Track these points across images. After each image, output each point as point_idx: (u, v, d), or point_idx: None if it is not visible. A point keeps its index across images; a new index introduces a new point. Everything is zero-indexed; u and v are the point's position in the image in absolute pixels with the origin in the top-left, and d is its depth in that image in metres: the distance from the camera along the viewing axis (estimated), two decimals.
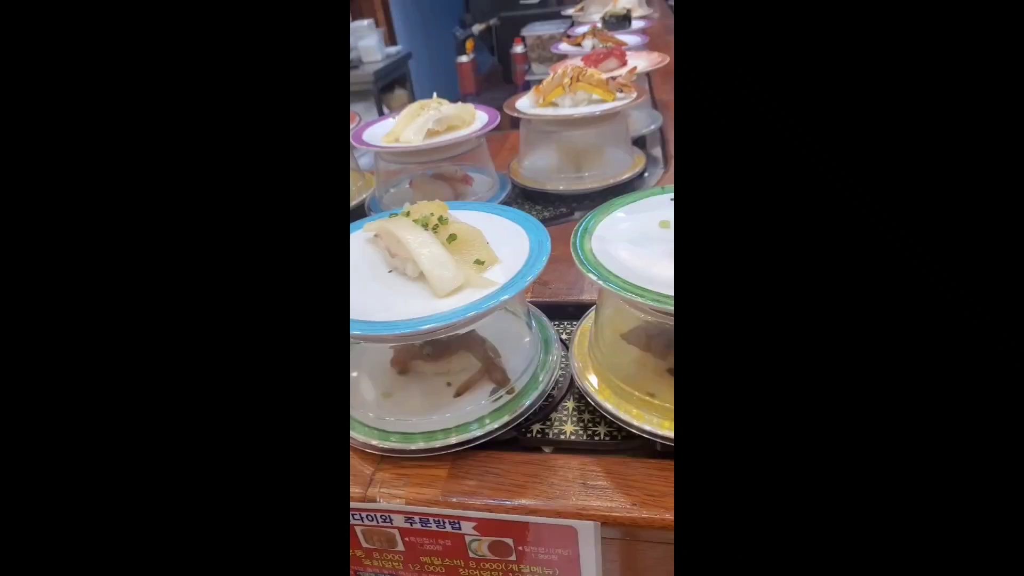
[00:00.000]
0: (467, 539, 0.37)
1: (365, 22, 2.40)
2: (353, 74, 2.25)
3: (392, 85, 2.49)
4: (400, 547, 0.39)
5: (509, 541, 0.37)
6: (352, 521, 0.39)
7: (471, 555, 0.38)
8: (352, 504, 0.38)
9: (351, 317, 0.35)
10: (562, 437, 0.39)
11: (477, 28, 2.58)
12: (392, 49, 2.50)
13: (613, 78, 0.72)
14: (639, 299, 0.33)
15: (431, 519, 0.37)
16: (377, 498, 0.37)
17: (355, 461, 0.39)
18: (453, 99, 0.73)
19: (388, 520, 0.38)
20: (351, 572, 0.42)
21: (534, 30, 2.01)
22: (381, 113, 2.34)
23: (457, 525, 0.37)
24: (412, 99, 2.58)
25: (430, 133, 0.67)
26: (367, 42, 2.36)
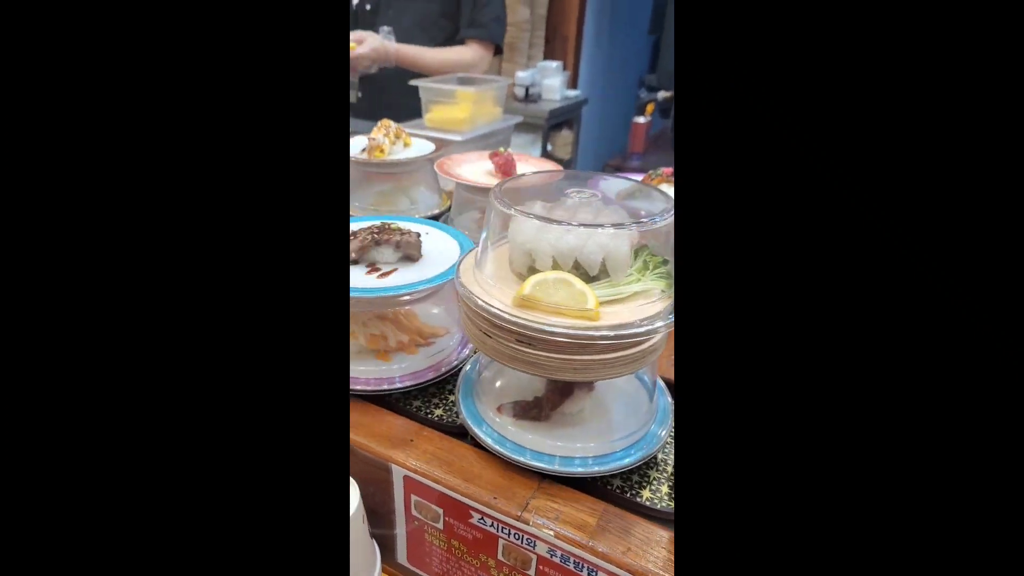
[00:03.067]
0: None
1: (555, 63, 2.54)
2: (531, 107, 2.39)
3: (561, 125, 2.61)
4: (532, 572, 0.43)
5: None
6: (497, 533, 0.43)
7: None
8: (504, 518, 0.42)
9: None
10: None
11: (663, 95, 2.64)
12: (572, 92, 2.63)
13: None
14: None
15: (571, 559, 0.40)
16: (530, 521, 0.41)
17: (513, 480, 0.44)
18: (618, 151, 0.77)
19: (532, 544, 0.42)
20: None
21: None
22: (545, 148, 2.46)
23: (595, 573, 0.40)
24: (576, 142, 2.69)
25: None
26: (551, 81, 2.50)
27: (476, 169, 0.90)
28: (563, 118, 2.56)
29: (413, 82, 1.28)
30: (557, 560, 0.41)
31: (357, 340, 0.55)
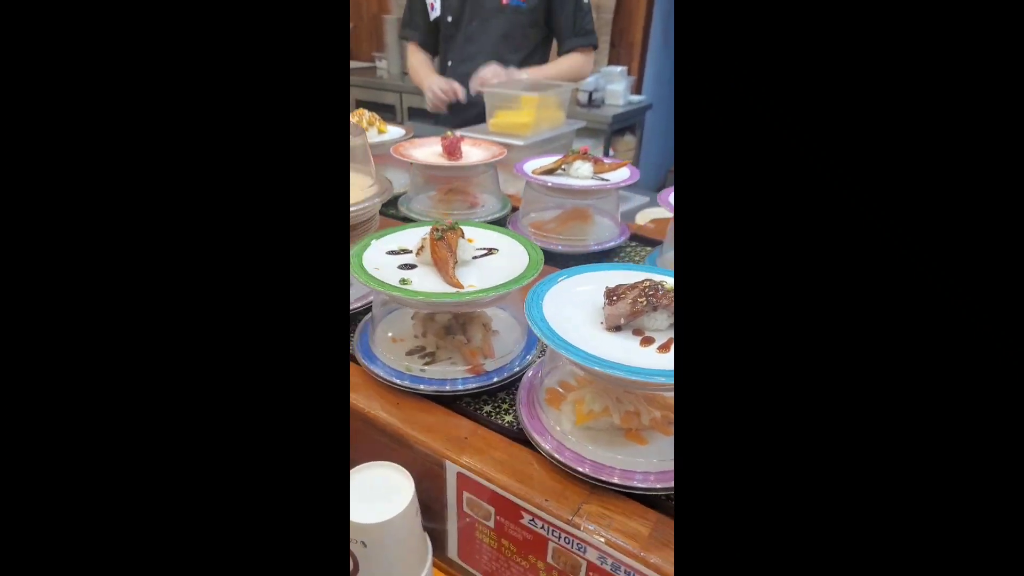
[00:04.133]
0: None
1: (619, 68, 2.52)
2: (593, 112, 2.38)
3: (624, 131, 2.59)
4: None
5: None
6: (548, 535, 0.43)
7: None
8: (556, 521, 0.42)
9: None
10: None
11: None
12: (636, 97, 2.59)
13: None
14: None
15: (622, 567, 0.40)
16: (580, 526, 0.41)
17: (567, 486, 0.44)
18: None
19: (582, 549, 0.42)
20: None
21: None
22: (607, 154, 2.44)
23: None
24: (639, 148, 2.66)
25: None
26: (614, 86, 2.48)
27: (428, 152, 0.96)
28: (626, 123, 2.53)
29: (480, 88, 1.30)
30: (607, 568, 0.41)
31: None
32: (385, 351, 0.57)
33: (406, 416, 0.51)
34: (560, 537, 0.42)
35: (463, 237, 0.57)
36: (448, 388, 0.53)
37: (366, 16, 3.14)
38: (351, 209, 0.60)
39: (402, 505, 0.44)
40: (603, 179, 0.84)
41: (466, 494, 0.47)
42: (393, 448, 0.50)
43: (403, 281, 0.52)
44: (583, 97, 2.40)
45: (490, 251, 0.59)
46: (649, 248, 0.87)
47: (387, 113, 2.64)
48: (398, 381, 0.53)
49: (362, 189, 0.68)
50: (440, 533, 0.51)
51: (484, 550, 0.49)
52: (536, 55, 1.55)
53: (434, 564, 0.51)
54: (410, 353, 0.56)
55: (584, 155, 0.87)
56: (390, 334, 0.59)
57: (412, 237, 0.60)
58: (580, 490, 0.44)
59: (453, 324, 0.57)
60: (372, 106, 2.73)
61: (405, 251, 0.58)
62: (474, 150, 0.99)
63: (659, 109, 2.82)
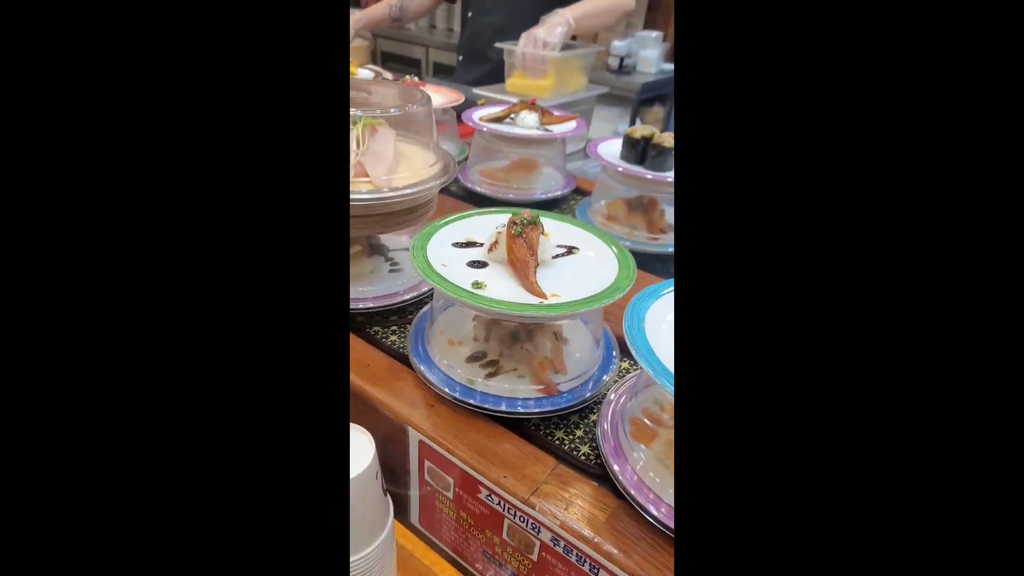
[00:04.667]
0: None
1: (654, 34, 2.42)
2: (623, 79, 2.29)
3: (654, 100, 2.49)
4: (535, 557, 0.42)
5: None
6: (504, 512, 0.42)
7: None
8: (512, 499, 0.41)
9: None
10: None
11: None
12: (669, 66, 2.49)
13: None
14: None
15: (574, 551, 0.39)
16: (536, 506, 0.40)
17: (529, 464, 0.42)
18: None
19: (536, 530, 0.40)
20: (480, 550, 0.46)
21: None
22: (634, 123, 2.36)
23: (597, 571, 0.38)
24: (667, 118, 2.57)
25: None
26: (648, 52, 2.38)
27: None
28: (657, 92, 2.44)
29: (499, 44, 1.25)
30: (560, 550, 0.40)
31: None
32: (442, 355, 0.50)
33: (375, 376, 0.49)
34: (516, 515, 0.41)
35: (543, 233, 0.49)
36: (520, 409, 0.45)
37: None
38: (411, 191, 0.54)
39: (360, 467, 0.44)
40: (548, 130, 0.86)
41: (427, 463, 0.46)
42: (359, 410, 0.49)
43: (476, 284, 0.44)
44: (614, 62, 2.31)
45: (570, 250, 0.51)
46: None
47: (413, 68, 2.59)
48: (464, 399, 0.46)
49: (423, 168, 0.58)
50: (404, 499, 0.51)
51: (444, 520, 0.48)
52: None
53: (398, 529, 0.51)
54: (470, 360, 0.49)
55: (531, 105, 0.90)
56: (448, 336, 0.52)
57: (481, 227, 0.52)
58: (542, 467, 0.42)
59: (520, 330, 0.49)
60: (398, 59, 2.67)
61: (473, 243, 0.51)
62: (436, 96, 0.95)
63: None
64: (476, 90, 1.21)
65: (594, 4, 1.36)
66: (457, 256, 0.48)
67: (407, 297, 0.59)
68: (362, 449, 0.45)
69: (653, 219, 0.78)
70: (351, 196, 0.51)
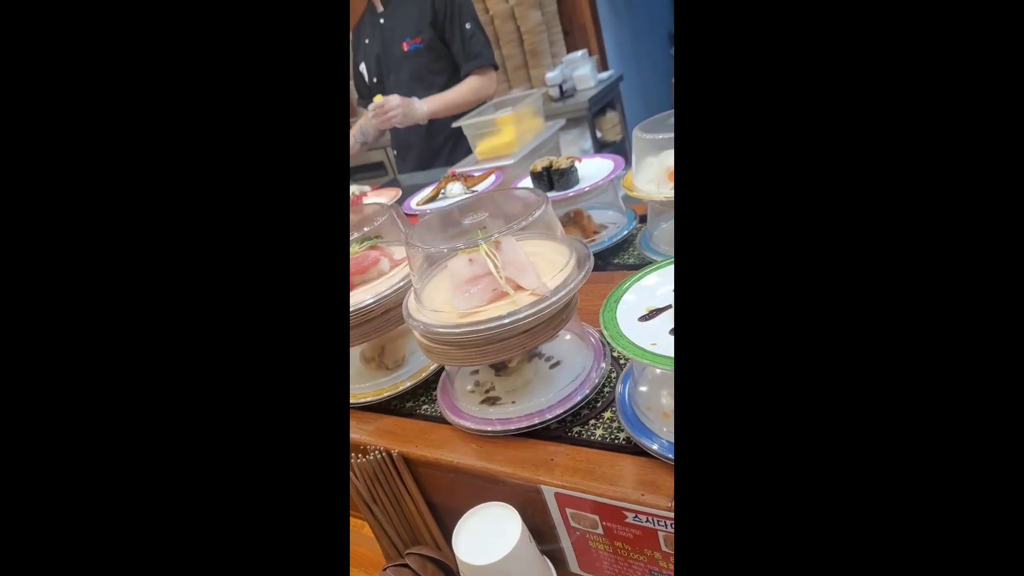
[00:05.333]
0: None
1: (579, 53, 2.53)
2: (569, 102, 2.39)
3: (604, 109, 2.59)
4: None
5: None
6: (655, 527, 0.45)
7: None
8: (657, 512, 0.44)
9: None
10: None
11: None
12: (604, 75, 2.60)
13: None
14: None
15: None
16: None
17: (659, 475, 0.46)
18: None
19: None
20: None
21: None
22: (595, 137, 2.45)
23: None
24: (623, 120, 2.66)
25: None
26: (581, 71, 2.49)
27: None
28: (604, 102, 2.54)
29: (457, 124, 1.35)
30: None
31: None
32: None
33: (490, 454, 0.54)
34: (667, 524, 0.45)
35: None
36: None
37: None
38: (571, 284, 0.51)
39: (514, 539, 0.48)
40: (473, 191, 1.03)
41: (568, 510, 0.50)
42: (489, 487, 0.54)
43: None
44: (554, 92, 2.42)
45: None
46: None
47: (379, 171, 2.72)
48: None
49: (559, 267, 0.52)
50: (558, 552, 0.54)
51: (602, 557, 0.51)
52: (449, 87, 1.64)
53: None
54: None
55: (453, 177, 1.07)
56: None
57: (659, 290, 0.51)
58: (669, 474, 0.46)
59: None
60: (361, 168, 2.82)
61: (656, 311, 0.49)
62: (379, 196, 1.14)
63: (630, 78, 2.82)
64: (454, 169, 1.30)
65: (452, 96, 1.57)
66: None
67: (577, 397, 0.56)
68: (510, 523, 0.49)
69: (584, 226, 0.89)
70: (518, 315, 0.48)
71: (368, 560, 0.75)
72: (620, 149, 2.55)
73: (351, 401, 0.66)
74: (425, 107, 1.52)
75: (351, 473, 0.58)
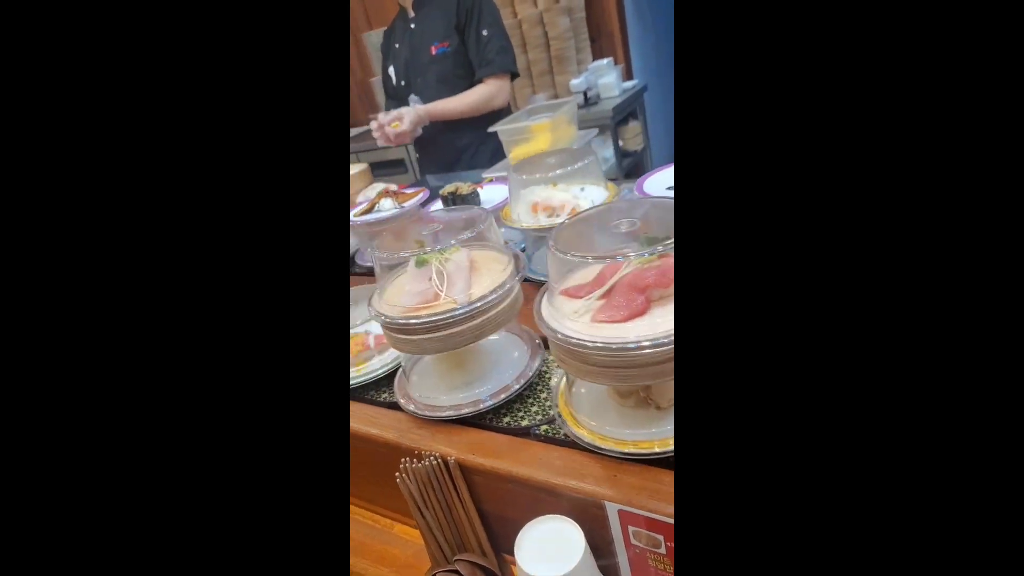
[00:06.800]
0: None
1: (605, 61, 2.54)
2: (593, 110, 2.40)
3: (627, 118, 2.60)
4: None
5: None
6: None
7: None
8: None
9: None
10: None
11: None
12: (628, 84, 2.61)
13: None
14: None
15: None
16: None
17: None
18: None
19: None
20: None
21: None
22: (617, 145, 2.45)
23: None
24: (645, 131, 2.66)
25: None
26: (606, 79, 2.50)
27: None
28: (628, 111, 2.54)
29: (492, 128, 1.35)
30: None
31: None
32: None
33: (551, 466, 0.54)
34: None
35: None
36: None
37: (353, 82, 3.27)
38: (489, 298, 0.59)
39: (578, 554, 0.48)
40: (403, 207, 1.13)
41: (631, 528, 0.50)
42: (545, 498, 0.54)
43: None
44: (579, 99, 2.42)
45: None
46: None
47: (399, 168, 2.72)
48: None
49: (499, 273, 0.62)
50: (612, 567, 0.55)
51: (660, 574, 0.52)
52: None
53: None
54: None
55: (386, 193, 1.17)
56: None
57: None
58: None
59: None
60: (382, 165, 2.82)
61: None
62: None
63: (655, 88, 2.82)
64: (485, 173, 1.31)
65: (460, 102, 1.59)
66: None
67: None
68: (573, 537, 0.50)
69: None
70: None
71: (401, 562, 0.76)
72: (641, 159, 2.56)
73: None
74: (424, 112, 1.55)
75: (404, 476, 0.59)
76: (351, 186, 1.45)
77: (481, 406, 0.63)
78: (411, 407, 0.66)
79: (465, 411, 0.63)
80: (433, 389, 0.68)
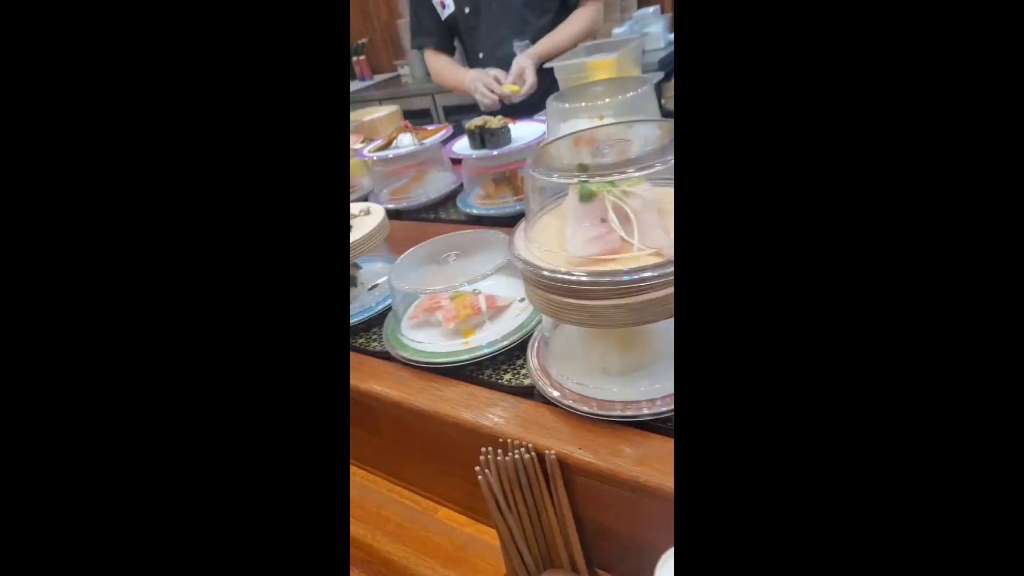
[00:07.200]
0: None
1: (651, 9, 2.35)
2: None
3: (669, 75, 2.41)
4: None
5: None
6: None
7: None
8: None
9: None
10: None
11: None
12: (674, 36, 2.41)
13: None
14: None
15: None
16: None
17: None
18: None
19: None
20: None
21: None
22: (659, 103, 2.27)
23: None
24: None
25: None
26: (651, 29, 2.32)
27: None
28: (673, 66, 2.36)
29: (548, 65, 1.19)
30: None
31: None
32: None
33: None
34: None
35: None
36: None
37: (378, 26, 3.04)
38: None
39: None
40: (423, 143, 1.04)
41: None
42: (665, 508, 0.41)
43: None
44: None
45: None
46: None
47: (424, 119, 2.56)
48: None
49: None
50: None
51: None
52: (563, 15, 1.45)
53: None
54: None
55: (405, 128, 1.08)
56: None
57: None
58: None
59: None
60: (405, 114, 2.66)
61: None
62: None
63: None
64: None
65: (565, 34, 1.37)
66: None
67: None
68: None
69: (517, 186, 0.92)
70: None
71: (447, 553, 0.63)
72: None
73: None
74: (536, 56, 1.32)
75: (485, 470, 0.46)
76: (382, 128, 1.31)
77: (659, 406, 0.44)
78: (555, 395, 0.47)
79: (644, 412, 0.44)
80: (582, 374, 0.48)
